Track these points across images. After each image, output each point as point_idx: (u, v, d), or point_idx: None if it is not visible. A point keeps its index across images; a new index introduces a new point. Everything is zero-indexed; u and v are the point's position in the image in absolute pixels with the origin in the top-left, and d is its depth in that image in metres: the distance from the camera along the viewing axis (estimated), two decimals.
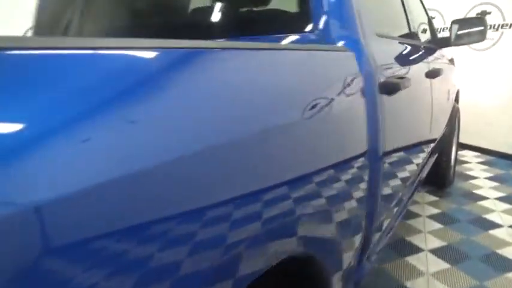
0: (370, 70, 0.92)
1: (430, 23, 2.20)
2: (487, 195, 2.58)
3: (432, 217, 2.29)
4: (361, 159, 0.88)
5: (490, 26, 3.36)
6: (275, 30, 0.96)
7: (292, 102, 0.63)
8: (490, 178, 2.91)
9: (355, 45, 0.91)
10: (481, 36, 2.03)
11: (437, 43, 2.13)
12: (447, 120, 2.41)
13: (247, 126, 0.50)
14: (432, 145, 1.98)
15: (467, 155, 3.54)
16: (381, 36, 1.14)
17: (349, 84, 0.83)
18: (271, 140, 0.55)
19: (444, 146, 2.48)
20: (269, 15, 1.05)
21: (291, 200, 0.59)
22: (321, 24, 0.92)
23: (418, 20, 2.18)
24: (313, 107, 0.67)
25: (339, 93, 0.78)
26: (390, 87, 1.00)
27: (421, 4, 2.18)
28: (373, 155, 0.93)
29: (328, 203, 0.73)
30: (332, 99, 0.75)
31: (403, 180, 1.38)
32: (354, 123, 0.85)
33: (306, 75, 0.71)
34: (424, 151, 1.74)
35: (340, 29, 0.92)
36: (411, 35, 1.63)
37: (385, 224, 1.26)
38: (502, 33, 3.34)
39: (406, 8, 1.62)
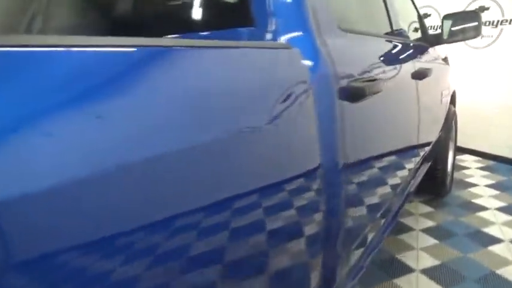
0: (326, 71, 0.74)
1: (420, 20, 2.01)
2: (487, 205, 2.38)
3: (426, 231, 2.10)
4: (311, 175, 0.70)
5: (489, 22, 3.17)
6: (207, 26, 0.78)
7: (217, 113, 0.49)
8: (490, 186, 2.71)
9: (303, 42, 0.73)
10: (476, 32, 1.84)
11: (428, 41, 1.94)
12: (441, 124, 2.22)
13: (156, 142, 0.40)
14: (423, 152, 1.80)
15: (466, 159, 3.33)
16: (349, 31, 0.95)
17: (290, 88, 0.65)
18: (185, 159, 0.44)
19: (439, 152, 2.29)
20: (200, 9, 0.86)
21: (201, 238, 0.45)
22: (262, 17, 0.74)
23: (407, 16, 2.00)
24: (239, 117, 0.53)
25: (276, 100, 0.61)
26: (354, 92, 0.81)
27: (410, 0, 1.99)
28: (330, 169, 0.75)
29: (260, 235, 0.57)
30: (264, 107, 0.58)
31: (384, 192, 1.20)
32: (297, 134, 0.67)
33: (232, 79, 0.55)
34: (411, 159, 1.56)
35: (285, 21, 0.74)
36: (394, 32, 1.44)
37: (365, 242, 1.09)
38: (502, 29, 3.14)
39: (388, 2, 1.43)
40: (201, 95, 0.48)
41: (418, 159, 1.70)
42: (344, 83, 0.79)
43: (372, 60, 1.02)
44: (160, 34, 0.80)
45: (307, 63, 0.71)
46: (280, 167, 0.62)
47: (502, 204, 2.39)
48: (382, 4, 1.38)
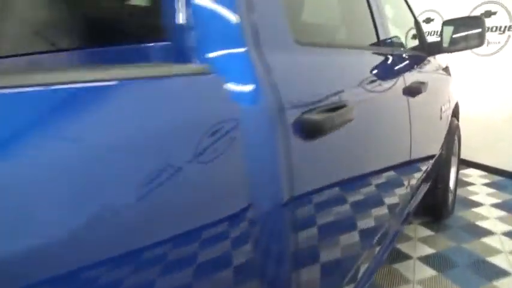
0: (263, 101, 0.55)
1: (417, 26, 1.81)
2: (493, 229, 2.16)
3: (424, 260, 1.89)
4: (237, 223, 0.52)
5: (496, 28, 2.96)
6: (110, 39, 0.59)
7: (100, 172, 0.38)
8: (496, 206, 2.49)
9: (231, 61, 0.54)
10: (480, 40, 1.63)
11: (426, 50, 1.74)
12: (442, 140, 2.01)
13: None
14: (420, 173, 1.60)
15: (471, 174, 3.11)
16: (311, 45, 0.76)
17: (203, 129, 0.47)
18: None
19: (440, 170, 2.08)
20: (102, 17, 0.67)
21: None
22: (178, 28, 0.55)
23: (403, 23, 1.81)
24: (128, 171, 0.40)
25: (179, 146, 0.44)
26: (310, 127, 0.62)
27: (405, 3, 1.79)
28: (272, 212, 0.57)
29: None
30: (165, 156, 0.43)
31: (371, 222, 1.03)
32: (213, 183, 0.48)
33: (118, 124, 0.40)
34: (404, 182, 1.37)
35: (207, 34, 0.55)
36: (383, 42, 1.24)
37: (355, 278, 0.94)
38: (509, 36, 2.92)
39: (375, 7, 1.23)
40: (72, 151, 0.36)
41: (414, 181, 1.50)
42: (295, 114, 0.60)
43: (345, 79, 0.83)
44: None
45: (234, 91, 0.52)
46: (192, 217, 0.46)
47: (509, 228, 2.17)
48: (367, 10, 1.18)
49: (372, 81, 0.96)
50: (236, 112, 0.50)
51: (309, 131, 0.62)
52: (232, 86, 0.52)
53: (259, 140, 0.53)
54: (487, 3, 2.98)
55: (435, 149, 1.88)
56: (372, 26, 1.18)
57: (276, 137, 0.55)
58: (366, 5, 1.19)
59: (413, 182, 1.51)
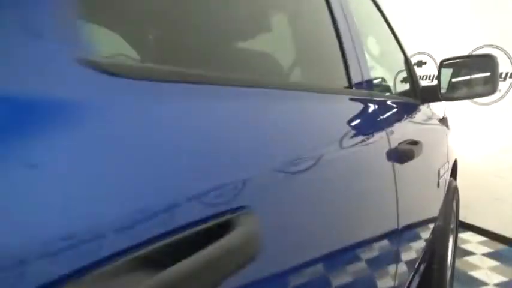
0: None
1: (408, 67, 1.43)
2: None
3: None
4: None
5: None
6: None
7: None
8: (503, 286, 2.04)
9: None
10: (490, 86, 1.26)
11: (419, 96, 1.35)
12: (438, 211, 1.59)
13: None
14: (412, 262, 1.17)
15: (469, 240, 2.67)
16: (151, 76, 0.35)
17: None
18: None
19: (436, 245, 1.65)
20: None
21: None
22: None
23: (393, 62, 1.44)
24: None
25: None
26: None
27: (394, 39, 1.41)
28: None
29: None
30: None
31: None
32: None
33: None
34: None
35: None
36: (359, 85, 0.84)
37: None
38: (511, 83, 2.59)
39: (345, 36, 0.83)
40: None
41: (412, 272, 1.08)
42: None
43: (249, 154, 0.40)
44: None
45: None
46: None
47: None
48: (334, 41, 0.78)
49: (324, 151, 0.54)
50: None
51: None
52: None
53: None
54: (486, 46, 2.65)
55: (430, 223, 1.46)
56: (342, 62, 0.77)
57: None
58: (333, 33, 0.79)
59: (412, 271, 1.09)
